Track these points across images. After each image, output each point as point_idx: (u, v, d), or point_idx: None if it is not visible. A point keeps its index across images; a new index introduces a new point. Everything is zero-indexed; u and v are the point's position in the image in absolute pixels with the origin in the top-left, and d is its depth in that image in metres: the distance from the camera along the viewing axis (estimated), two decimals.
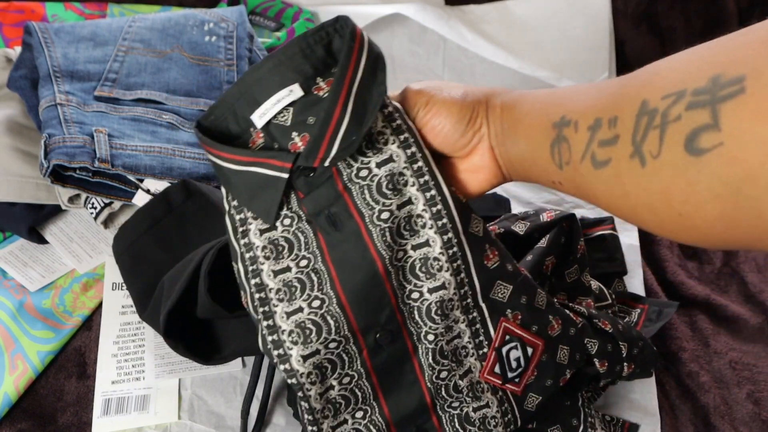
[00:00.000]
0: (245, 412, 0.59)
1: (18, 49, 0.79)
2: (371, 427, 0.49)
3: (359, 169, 0.44)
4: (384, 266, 0.44)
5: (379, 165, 0.43)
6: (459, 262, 0.45)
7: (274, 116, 0.43)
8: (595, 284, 0.64)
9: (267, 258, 0.45)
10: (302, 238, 0.45)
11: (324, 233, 0.44)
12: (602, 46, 0.93)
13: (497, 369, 0.49)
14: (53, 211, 0.73)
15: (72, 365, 0.64)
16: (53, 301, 0.68)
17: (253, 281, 0.45)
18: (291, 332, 0.44)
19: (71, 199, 0.70)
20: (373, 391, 0.49)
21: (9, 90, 0.76)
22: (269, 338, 0.45)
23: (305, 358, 0.45)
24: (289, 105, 0.43)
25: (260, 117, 0.43)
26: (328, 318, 0.44)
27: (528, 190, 0.82)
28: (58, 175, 0.67)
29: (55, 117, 0.69)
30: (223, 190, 0.45)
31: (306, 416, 0.47)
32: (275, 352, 0.45)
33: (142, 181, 0.69)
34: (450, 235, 0.44)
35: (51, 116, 0.70)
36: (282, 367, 0.45)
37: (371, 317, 0.45)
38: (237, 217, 0.45)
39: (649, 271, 0.74)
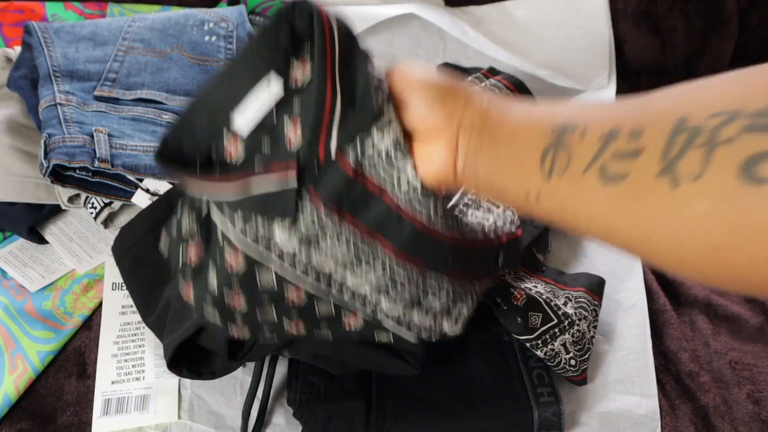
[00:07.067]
0: (246, 411, 0.59)
1: (18, 48, 0.79)
2: None
3: (363, 144, 0.39)
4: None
5: (381, 135, 0.39)
6: None
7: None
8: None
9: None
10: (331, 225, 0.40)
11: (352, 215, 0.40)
12: (602, 46, 0.93)
13: None
14: (53, 211, 0.73)
15: (72, 365, 0.64)
16: (54, 303, 0.68)
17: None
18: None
19: (71, 199, 0.70)
20: None
21: (9, 90, 0.76)
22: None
23: None
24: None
25: (244, 122, 0.38)
26: None
27: None
28: (58, 175, 0.67)
29: (55, 117, 0.69)
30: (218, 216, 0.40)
31: None
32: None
33: (141, 180, 0.69)
34: None
35: (51, 116, 0.69)
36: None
37: None
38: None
39: (649, 272, 0.74)
